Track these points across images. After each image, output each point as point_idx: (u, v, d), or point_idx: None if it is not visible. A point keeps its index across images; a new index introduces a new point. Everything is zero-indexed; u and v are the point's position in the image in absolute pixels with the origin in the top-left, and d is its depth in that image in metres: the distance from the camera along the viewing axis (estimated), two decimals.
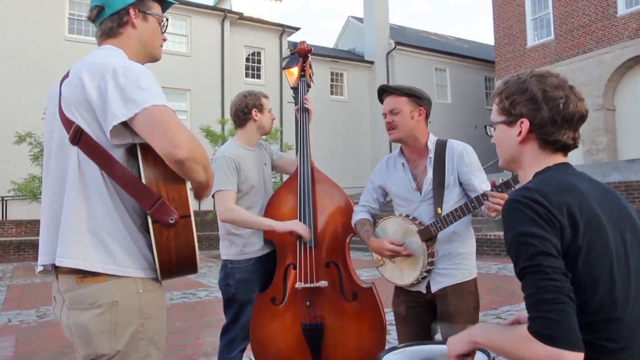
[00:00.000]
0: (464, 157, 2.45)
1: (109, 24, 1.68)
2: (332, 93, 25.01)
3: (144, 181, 1.50)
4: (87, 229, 1.49)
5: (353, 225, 2.72)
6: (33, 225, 15.28)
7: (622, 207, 1.33)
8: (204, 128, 14.85)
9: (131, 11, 1.68)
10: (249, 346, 2.91)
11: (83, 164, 1.51)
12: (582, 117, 1.35)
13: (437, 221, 2.31)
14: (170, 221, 1.48)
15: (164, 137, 1.42)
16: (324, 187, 2.94)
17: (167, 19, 1.81)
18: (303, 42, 3.26)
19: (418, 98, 2.46)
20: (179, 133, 1.44)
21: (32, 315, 6.47)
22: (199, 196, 1.76)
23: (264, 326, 2.84)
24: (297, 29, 24.26)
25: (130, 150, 1.55)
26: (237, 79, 22.36)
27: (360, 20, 27.28)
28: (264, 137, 3.18)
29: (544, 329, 1.11)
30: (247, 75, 23.23)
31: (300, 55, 3.26)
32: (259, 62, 23.47)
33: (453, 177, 2.42)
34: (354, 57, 26.15)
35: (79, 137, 1.51)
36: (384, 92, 2.55)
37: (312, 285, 2.73)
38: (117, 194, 1.53)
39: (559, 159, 1.37)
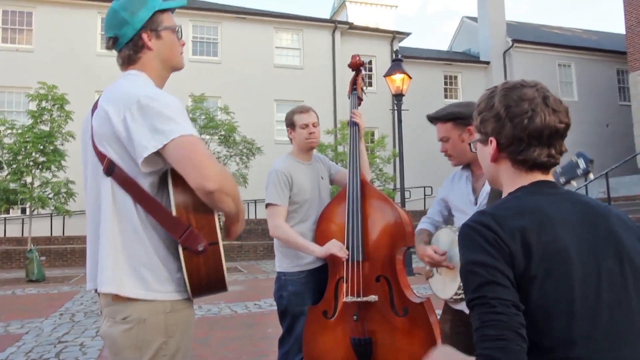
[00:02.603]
0: None
1: (126, 52, 1.71)
2: (446, 97, 24.40)
3: (174, 207, 1.55)
4: (122, 258, 1.58)
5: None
6: None
7: (611, 232, 1.16)
8: None
9: (144, 35, 1.69)
10: None
11: (117, 194, 1.58)
12: (556, 132, 1.20)
13: None
14: (200, 249, 1.53)
15: (195, 169, 1.46)
16: (374, 202, 2.90)
17: (179, 26, 1.81)
18: (355, 56, 3.25)
19: (463, 119, 2.34)
20: (209, 165, 1.48)
21: None
22: (229, 232, 1.79)
23: (315, 339, 2.87)
24: (407, 34, 24.07)
25: (162, 177, 1.61)
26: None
27: (474, 20, 26.35)
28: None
29: None
30: None
31: (353, 69, 3.26)
32: (370, 70, 23.58)
33: None
34: (469, 59, 25.33)
35: (112, 169, 1.59)
36: (431, 120, 2.49)
37: (360, 299, 2.71)
38: (149, 224, 1.59)
39: (537, 176, 1.24)
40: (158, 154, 1.51)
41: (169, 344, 1.61)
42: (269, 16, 22.14)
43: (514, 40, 23.84)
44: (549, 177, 1.25)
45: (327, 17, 24.77)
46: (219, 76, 20.30)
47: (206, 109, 14.69)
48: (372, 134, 20.75)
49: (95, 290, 1.66)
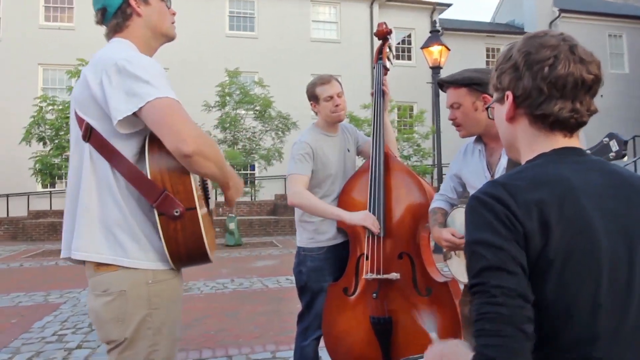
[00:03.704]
0: None
1: (114, 21, 1.68)
2: None
3: (149, 172, 1.51)
4: (99, 222, 1.54)
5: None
6: None
7: None
8: (347, 113, 15.04)
9: (131, 1, 1.67)
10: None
11: (95, 159, 1.56)
12: (582, 83, 1.01)
13: None
14: (175, 213, 1.49)
15: (171, 131, 1.43)
16: (398, 176, 2.77)
17: None
18: (382, 24, 3.10)
19: (479, 85, 2.15)
20: (185, 127, 1.44)
21: None
22: (225, 200, 1.79)
23: (335, 317, 2.78)
24: (448, 5, 23.30)
25: (142, 139, 1.57)
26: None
27: None
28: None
29: None
30: (397, 57, 22.95)
31: (379, 37, 3.11)
32: (409, 42, 23.03)
33: None
34: (512, 30, 24.35)
35: (89, 134, 1.56)
36: (442, 85, 2.32)
37: (380, 276, 2.60)
38: (126, 189, 1.55)
39: (559, 141, 1.05)
40: (136, 115, 1.47)
41: (153, 316, 1.56)
42: None
43: (561, 10, 22.77)
44: (575, 142, 1.07)
45: None
46: (255, 51, 20.20)
47: (241, 84, 14.64)
48: (411, 109, 20.33)
49: (70, 259, 1.63)
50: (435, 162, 12.63)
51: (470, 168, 2.31)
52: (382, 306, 2.64)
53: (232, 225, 13.15)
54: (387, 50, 3.12)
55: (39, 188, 18.00)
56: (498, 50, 23.75)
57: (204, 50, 19.44)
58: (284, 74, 19.98)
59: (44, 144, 12.86)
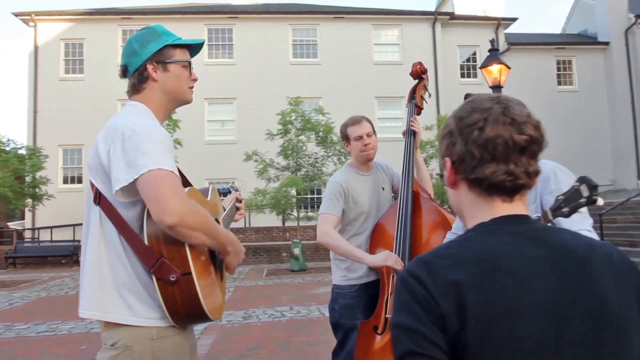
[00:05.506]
0: (549, 182, 1.95)
1: (132, 81, 1.79)
2: (559, 83, 22.76)
3: (146, 239, 1.59)
4: (107, 282, 1.64)
5: None
6: (268, 232, 17.61)
7: (588, 284, 0.91)
8: None
9: (149, 66, 1.76)
10: None
11: (104, 222, 1.66)
12: (513, 144, 0.96)
13: None
14: (172, 279, 1.55)
15: (155, 203, 1.49)
16: (426, 214, 2.78)
17: (189, 62, 1.85)
18: (417, 64, 3.15)
19: None
20: (170, 199, 1.49)
21: (240, 316, 7.33)
22: (227, 266, 1.84)
23: (366, 355, 2.78)
24: (514, 19, 22.72)
25: (144, 207, 1.63)
26: (452, 80, 21.99)
27: None
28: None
29: None
30: (462, 76, 22.60)
31: (414, 77, 3.14)
32: (474, 60, 22.61)
33: (534, 206, 1.95)
34: (584, 40, 23.33)
35: (99, 198, 1.67)
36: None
37: None
38: (132, 251, 1.64)
39: (498, 207, 1.00)
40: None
41: None
42: (367, 13, 22.02)
43: (637, 16, 21.55)
44: (517, 208, 1.01)
45: (431, 10, 23.92)
46: (319, 77, 20.58)
47: (302, 112, 14.93)
48: None
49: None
50: None
51: None
52: None
53: (296, 251, 13.34)
54: (422, 89, 3.16)
55: None
56: (569, 62, 22.81)
57: (269, 80, 20.05)
58: (347, 98, 20.18)
59: None
